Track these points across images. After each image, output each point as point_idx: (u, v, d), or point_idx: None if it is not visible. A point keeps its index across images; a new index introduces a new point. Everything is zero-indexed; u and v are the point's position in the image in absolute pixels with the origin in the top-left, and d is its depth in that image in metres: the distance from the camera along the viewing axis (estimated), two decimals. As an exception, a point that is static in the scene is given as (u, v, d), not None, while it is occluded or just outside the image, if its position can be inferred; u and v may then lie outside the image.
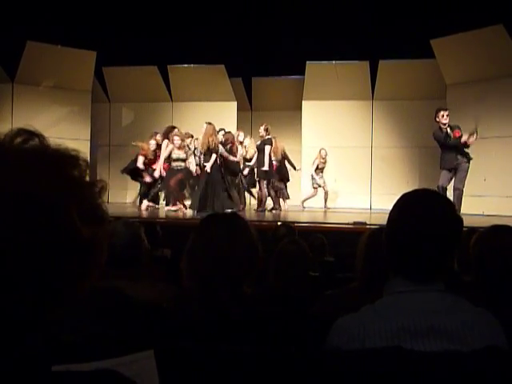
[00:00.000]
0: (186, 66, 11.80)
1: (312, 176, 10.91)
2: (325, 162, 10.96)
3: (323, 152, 10.88)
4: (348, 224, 7.46)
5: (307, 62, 11.17)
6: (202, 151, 8.89)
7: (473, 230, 3.06)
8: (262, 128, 9.66)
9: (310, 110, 11.58)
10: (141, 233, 2.43)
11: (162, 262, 3.57)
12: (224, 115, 11.47)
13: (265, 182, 9.70)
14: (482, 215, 9.03)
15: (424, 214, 1.34)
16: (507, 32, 9.11)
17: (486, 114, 9.62)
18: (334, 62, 11.18)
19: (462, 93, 9.99)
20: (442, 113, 7.90)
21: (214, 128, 8.89)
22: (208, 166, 8.61)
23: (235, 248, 1.61)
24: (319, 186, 10.94)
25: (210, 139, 8.59)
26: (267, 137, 9.62)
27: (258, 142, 9.73)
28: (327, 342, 1.39)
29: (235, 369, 1.34)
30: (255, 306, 1.63)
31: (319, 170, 10.90)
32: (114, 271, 2.33)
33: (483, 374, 1.20)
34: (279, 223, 5.84)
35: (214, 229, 1.66)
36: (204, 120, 10.16)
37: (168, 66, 11.88)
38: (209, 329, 1.53)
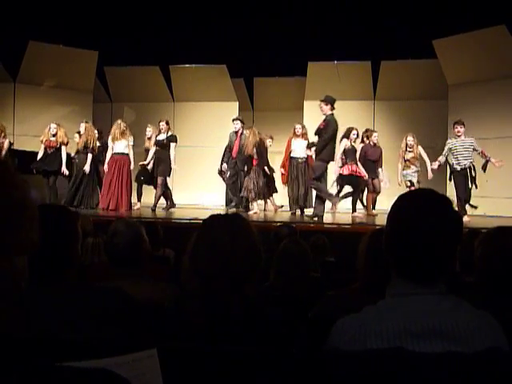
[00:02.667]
0: (187, 66, 11.80)
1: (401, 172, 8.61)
2: (412, 150, 8.53)
3: (409, 139, 8.56)
4: (349, 224, 7.46)
5: (309, 62, 11.17)
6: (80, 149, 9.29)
7: (475, 231, 3.06)
8: (162, 123, 9.44)
9: (312, 110, 11.54)
10: (142, 232, 2.43)
11: (163, 262, 3.57)
12: (225, 115, 11.46)
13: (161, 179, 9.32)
14: (484, 216, 9.01)
15: (421, 213, 1.33)
16: (509, 32, 9.10)
17: (488, 115, 9.60)
18: (335, 62, 11.17)
19: (464, 93, 9.98)
20: None
21: (92, 127, 9.51)
22: (87, 165, 9.08)
23: (237, 248, 1.61)
24: (411, 185, 8.43)
25: (89, 138, 9.21)
26: (170, 133, 9.49)
27: (162, 138, 9.44)
28: (328, 342, 1.39)
29: (236, 369, 1.34)
30: (256, 306, 1.63)
31: (408, 162, 8.60)
32: (115, 271, 2.34)
33: (485, 376, 1.20)
34: (280, 223, 5.83)
35: (216, 229, 1.65)
36: (205, 120, 10.16)
37: (170, 66, 11.88)
38: (210, 329, 1.52)
